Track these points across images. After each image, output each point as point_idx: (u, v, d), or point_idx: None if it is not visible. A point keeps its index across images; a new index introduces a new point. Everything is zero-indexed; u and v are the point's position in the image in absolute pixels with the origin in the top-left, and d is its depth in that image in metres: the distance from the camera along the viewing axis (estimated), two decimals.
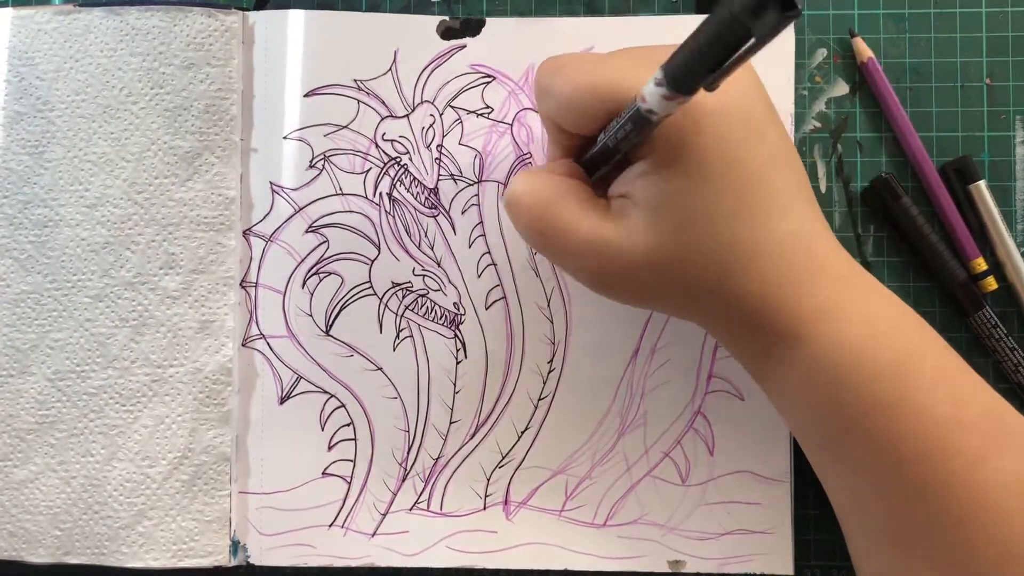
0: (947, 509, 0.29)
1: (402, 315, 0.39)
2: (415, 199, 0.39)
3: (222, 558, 0.38)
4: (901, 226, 0.38)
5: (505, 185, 0.39)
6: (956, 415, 0.29)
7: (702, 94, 0.25)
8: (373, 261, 0.39)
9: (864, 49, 0.39)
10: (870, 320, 0.30)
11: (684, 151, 0.29)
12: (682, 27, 0.37)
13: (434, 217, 0.39)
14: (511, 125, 0.39)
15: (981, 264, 0.38)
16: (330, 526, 0.39)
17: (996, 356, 0.38)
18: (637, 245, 0.30)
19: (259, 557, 0.38)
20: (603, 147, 0.30)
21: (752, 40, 0.22)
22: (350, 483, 0.39)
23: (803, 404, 0.31)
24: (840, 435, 0.30)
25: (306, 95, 0.39)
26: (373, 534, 0.39)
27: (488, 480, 0.39)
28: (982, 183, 0.38)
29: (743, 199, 0.29)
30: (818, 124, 0.40)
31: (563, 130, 0.32)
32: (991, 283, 0.38)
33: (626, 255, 0.30)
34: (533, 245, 0.33)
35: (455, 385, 0.39)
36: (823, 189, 0.40)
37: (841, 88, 0.40)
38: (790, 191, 0.30)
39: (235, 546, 0.38)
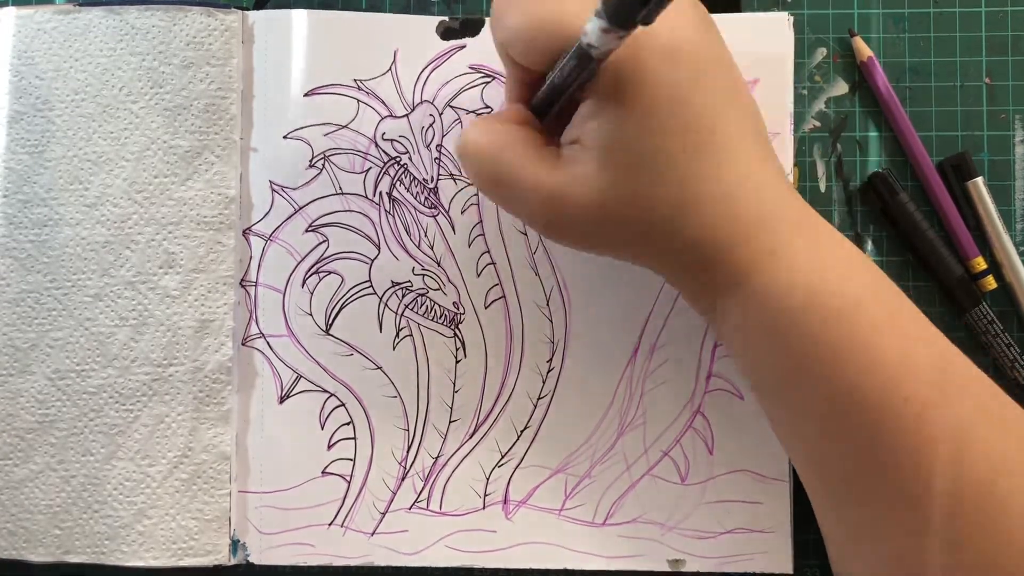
0: (899, 457, 0.29)
1: (402, 314, 0.39)
2: (415, 198, 0.39)
3: (222, 557, 0.38)
4: (899, 222, 0.39)
5: None
6: (906, 360, 0.29)
7: (648, 33, 0.25)
8: (373, 260, 0.39)
9: (864, 48, 0.39)
10: (820, 265, 0.30)
11: (628, 92, 0.28)
12: None
13: (434, 216, 0.39)
14: None
15: (980, 263, 0.38)
16: (329, 525, 0.39)
17: (993, 352, 0.38)
18: (587, 190, 0.29)
19: (259, 556, 0.38)
20: (551, 85, 0.30)
21: None
22: (349, 482, 0.39)
23: (753, 348, 0.31)
24: (790, 380, 0.30)
25: (306, 94, 0.39)
26: (372, 533, 0.39)
27: (487, 479, 0.39)
28: (979, 180, 0.38)
29: (690, 142, 0.29)
30: (818, 123, 0.40)
31: (517, 64, 0.31)
32: (990, 282, 0.38)
33: (577, 201, 0.30)
34: (486, 194, 0.33)
35: (455, 384, 0.39)
36: (823, 188, 0.40)
37: (840, 87, 0.40)
38: (741, 135, 0.30)
39: (235, 545, 0.38)
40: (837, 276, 0.30)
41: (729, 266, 0.30)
